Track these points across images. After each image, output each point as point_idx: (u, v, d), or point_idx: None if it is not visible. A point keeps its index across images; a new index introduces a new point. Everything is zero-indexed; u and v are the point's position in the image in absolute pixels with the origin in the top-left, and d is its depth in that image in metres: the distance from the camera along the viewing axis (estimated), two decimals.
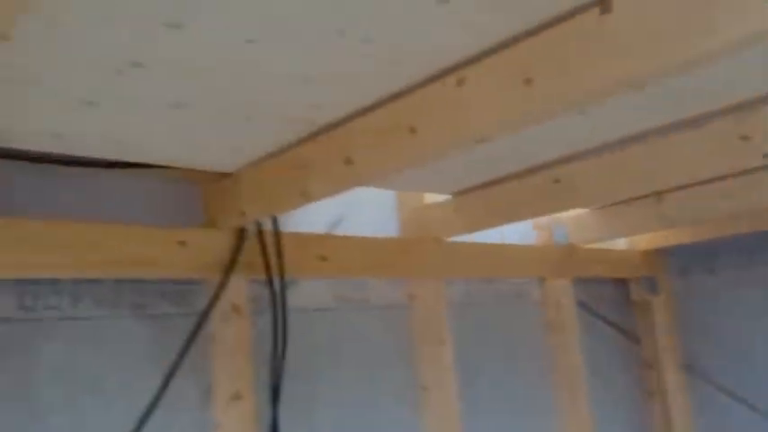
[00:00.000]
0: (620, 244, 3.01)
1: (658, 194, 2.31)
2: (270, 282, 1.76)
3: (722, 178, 2.09)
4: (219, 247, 1.69)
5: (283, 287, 1.79)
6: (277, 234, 1.78)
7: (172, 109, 1.24)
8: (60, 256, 1.42)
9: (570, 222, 2.64)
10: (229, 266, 1.68)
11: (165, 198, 1.74)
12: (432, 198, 2.23)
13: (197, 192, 1.79)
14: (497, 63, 1.13)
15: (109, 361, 1.57)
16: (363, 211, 2.15)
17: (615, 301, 3.06)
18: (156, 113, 1.26)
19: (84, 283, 1.56)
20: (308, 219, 1.99)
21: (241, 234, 1.72)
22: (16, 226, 1.39)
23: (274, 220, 1.79)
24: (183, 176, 1.72)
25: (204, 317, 1.63)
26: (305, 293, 1.97)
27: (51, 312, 1.51)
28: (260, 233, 1.75)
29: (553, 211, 1.99)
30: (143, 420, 1.50)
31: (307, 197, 1.49)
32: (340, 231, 2.06)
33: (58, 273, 1.45)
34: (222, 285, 1.66)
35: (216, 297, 1.65)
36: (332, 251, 1.92)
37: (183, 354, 1.57)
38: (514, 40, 1.10)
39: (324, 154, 1.44)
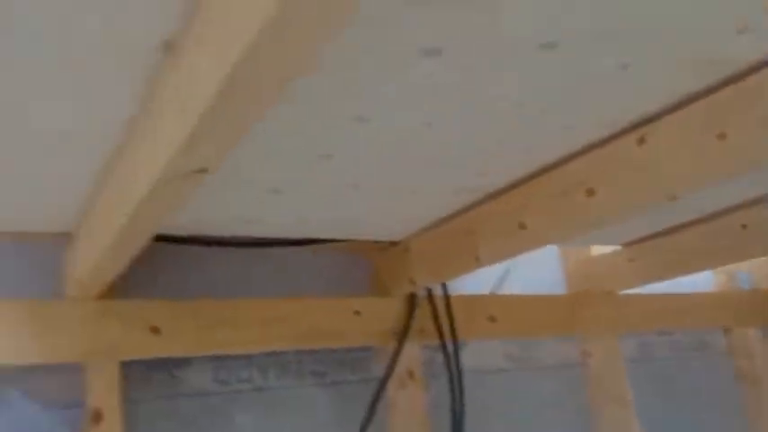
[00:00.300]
0: None
1: None
2: (443, 346, 1.76)
3: None
4: (392, 315, 1.72)
5: (456, 350, 1.78)
6: (447, 298, 1.79)
7: (349, 189, 1.29)
8: (251, 332, 1.51)
9: (755, 265, 2.42)
10: (403, 333, 1.70)
11: (334, 269, 1.80)
12: (598, 249, 2.14)
13: (362, 261, 1.84)
14: (682, 119, 1.07)
15: (297, 429, 1.63)
16: (526, 266, 2.10)
17: None
18: (335, 195, 1.31)
19: (270, 355, 1.64)
20: (473, 278, 1.97)
21: (412, 300, 1.74)
22: (211, 307, 1.50)
23: (443, 285, 1.79)
24: (350, 247, 1.78)
25: (383, 384, 1.65)
26: (475, 355, 1.95)
27: (244, 385, 1.60)
28: (430, 298, 1.76)
29: (741, 258, 1.83)
30: None
31: (478, 263, 1.48)
32: (505, 287, 2.02)
33: (250, 348, 1.54)
34: (398, 352, 1.68)
35: (393, 363, 1.67)
36: (501, 311, 1.90)
37: (367, 423, 1.59)
38: (701, 95, 1.04)
39: (495, 219, 1.43)
